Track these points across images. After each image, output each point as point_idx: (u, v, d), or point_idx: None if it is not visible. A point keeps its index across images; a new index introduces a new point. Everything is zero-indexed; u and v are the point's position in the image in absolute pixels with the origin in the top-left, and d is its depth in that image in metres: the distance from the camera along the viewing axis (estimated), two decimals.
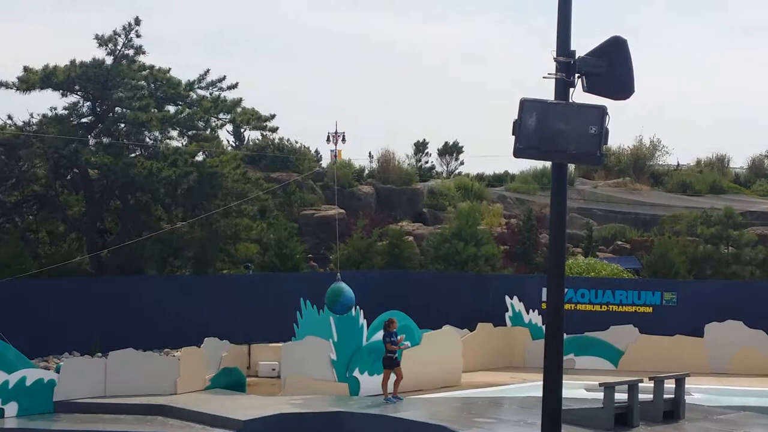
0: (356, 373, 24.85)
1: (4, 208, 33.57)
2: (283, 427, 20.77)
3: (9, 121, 33.03)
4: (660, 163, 59.04)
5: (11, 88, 32.34)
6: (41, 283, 29.48)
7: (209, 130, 36.26)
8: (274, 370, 26.79)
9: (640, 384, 21.32)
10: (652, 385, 21.76)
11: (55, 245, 34.34)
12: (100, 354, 26.77)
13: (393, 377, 23.17)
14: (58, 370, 22.95)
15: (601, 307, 32.76)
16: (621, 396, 20.97)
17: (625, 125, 55.31)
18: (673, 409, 21.82)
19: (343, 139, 45.30)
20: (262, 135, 44.24)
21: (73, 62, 32.82)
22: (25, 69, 32.64)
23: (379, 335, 25.34)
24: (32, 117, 33.20)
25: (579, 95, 10.85)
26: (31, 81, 32.40)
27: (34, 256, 32.57)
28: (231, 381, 24.63)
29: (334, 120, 68.37)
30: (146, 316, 30.11)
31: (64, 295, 29.42)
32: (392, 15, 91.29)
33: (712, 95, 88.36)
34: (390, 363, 23.20)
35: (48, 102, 41.13)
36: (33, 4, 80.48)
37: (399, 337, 23.25)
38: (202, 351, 24.77)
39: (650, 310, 32.66)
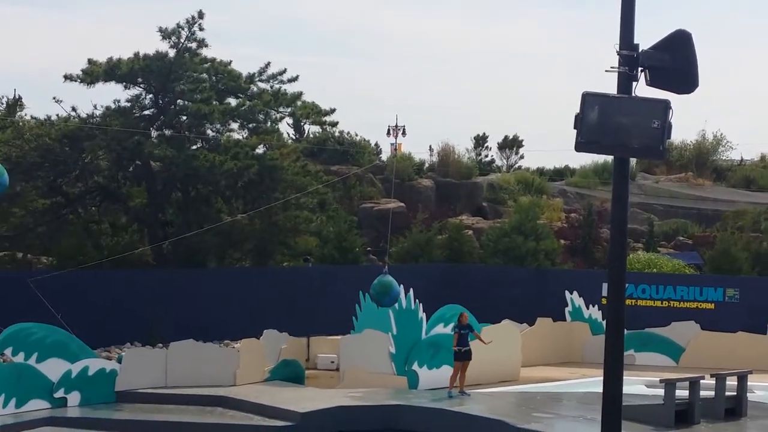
0: (415, 366, 24.85)
1: (68, 199, 33.91)
2: (342, 420, 20.84)
3: (73, 113, 33.36)
4: (723, 158, 58.38)
5: (76, 81, 32.63)
6: (103, 274, 29.77)
7: (269, 122, 36.36)
8: (332, 362, 26.87)
9: (701, 381, 21.14)
10: (714, 382, 21.57)
11: (117, 237, 34.62)
12: (160, 345, 27.00)
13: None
14: (119, 360, 23.20)
15: (662, 303, 32.50)
16: (682, 393, 20.82)
17: (688, 120, 54.75)
18: (735, 407, 21.63)
19: (404, 133, 45.24)
20: (322, 128, 44.30)
21: (136, 55, 33.06)
22: (90, 62, 32.93)
23: (438, 329, 25.38)
24: (96, 109, 33.53)
25: (642, 89, 10.75)
26: (95, 74, 32.68)
27: (97, 247, 32.86)
28: (290, 373, 24.75)
29: (395, 113, 68.55)
30: (206, 308, 30.29)
31: (125, 286, 29.69)
32: (453, 11, 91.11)
33: None
34: (458, 356, 23.21)
35: (111, 94, 41.56)
36: None
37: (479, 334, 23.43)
38: (262, 343, 24.90)
39: (712, 306, 32.35)
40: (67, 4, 77.18)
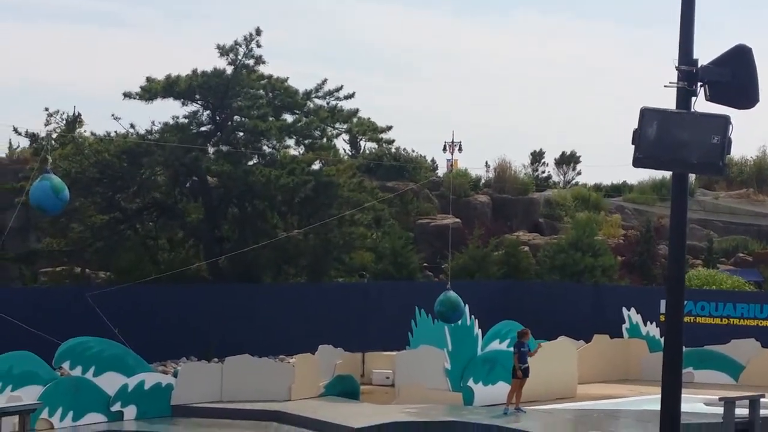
0: (470, 382, 24.74)
1: (126, 214, 34.19)
2: None
3: (131, 130, 33.67)
4: None
5: (134, 98, 32.94)
6: (160, 289, 29.98)
7: (325, 139, 36.46)
8: (388, 378, 26.82)
9: (762, 399, 20.83)
10: None
11: (174, 252, 34.87)
12: (216, 359, 27.10)
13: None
14: (175, 375, 23.31)
15: (721, 320, 32.15)
16: (742, 411, 20.51)
17: (749, 136, 54.25)
18: None
19: (460, 149, 45.27)
20: (378, 145, 44.38)
21: (194, 72, 33.29)
22: (148, 79, 33.23)
23: (494, 345, 25.27)
24: (154, 125, 33.80)
25: (701, 104, 10.62)
26: (153, 90, 32.95)
27: (154, 262, 33.13)
28: (345, 388, 24.73)
29: (451, 130, 68.49)
30: (261, 323, 30.40)
31: (181, 300, 29.88)
32: (510, 28, 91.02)
33: None
34: (517, 373, 23.10)
35: (169, 111, 41.78)
36: (156, 16, 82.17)
37: (532, 351, 23.26)
38: (317, 358, 24.92)
39: None
40: (125, 23, 78.05)
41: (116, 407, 21.34)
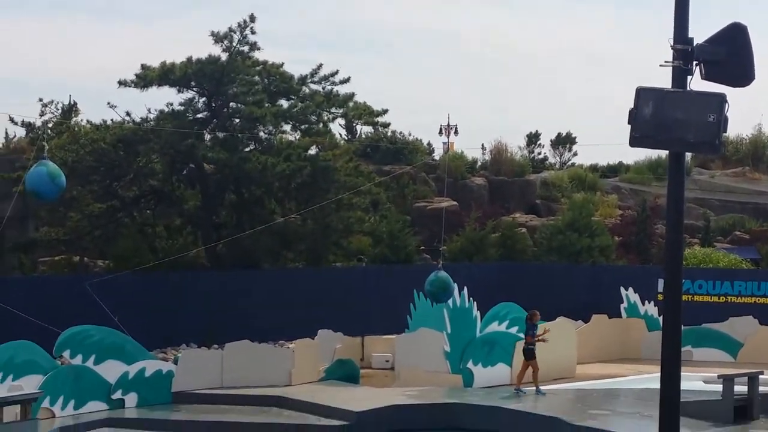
0: (470, 364, 24.79)
1: (123, 202, 34.22)
2: (397, 419, 20.82)
3: (127, 118, 33.69)
4: None
5: (130, 86, 32.94)
6: (158, 276, 30.01)
7: (321, 124, 36.47)
8: (387, 361, 26.87)
9: (760, 376, 20.91)
10: None
11: (172, 239, 34.92)
12: (216, 346, 27.15)
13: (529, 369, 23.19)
14: (176, 362, 23.33)
15: (719, 299, 32.20)
16: (741, 388, 20.59)
17: (744, 114, 54.24)
18: None
19: (456, 132, 45.26)
20: (374, 129, 44.37)
21: (189, 59, 33.30)
22: (143, 67, 33.22)
23: (493, 326, 25.33)
24: (150, 113, 33.84)
25: (697, 83, 10.64)
26: (148, 78, 32.96)
27: (152, 249, 33.17)
28: (345, 372, 24.77)
29: (447, 113, 68.44)
30: (260, 309, 30.45)
31: (180, 287, 29.92)
32: (505, 9, 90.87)
33: None
34: (529, 355, 23.18)
35: (164, 99, 41.76)
36: (151, 3, 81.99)
37: (541, 331, 23.28)
38: (316, 343, 24.96)
39: None
40: (119, 11, 77.86)
41: (117, 395, 21.36)
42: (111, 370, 21.28)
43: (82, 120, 36.44)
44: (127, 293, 27.77)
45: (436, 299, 23.64)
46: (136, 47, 71.31)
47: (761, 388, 20.90)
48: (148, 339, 24.07)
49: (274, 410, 21.57)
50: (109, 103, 33.02)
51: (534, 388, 23.00)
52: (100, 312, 23.70)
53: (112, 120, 33.84)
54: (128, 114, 33.74)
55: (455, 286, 23.77)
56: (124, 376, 21.43)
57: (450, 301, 24.19)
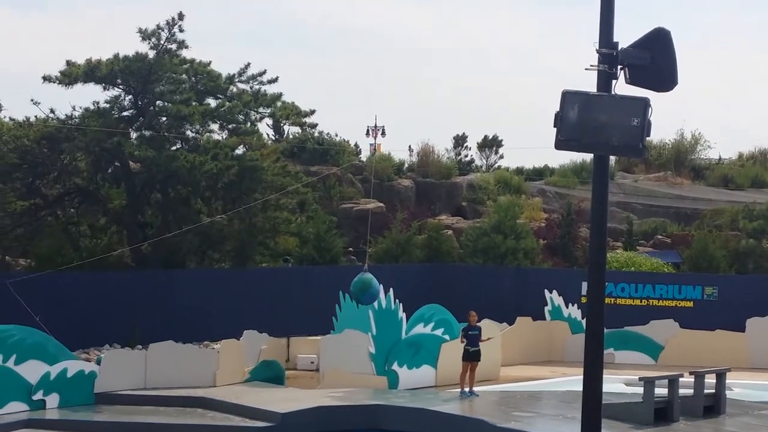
0: (395, 366, 24.85)
1: (47, 201, 33.76)
2: (322, 420, 20.82)
3: (51, 115, 33.22)
4: (701, 157, 58.71)
5: (54, 82, 32.49)
6: (82, 275, 29.66)
7: (249, 123, 36.28)
8: (312, 363, 26.86)
9: (680, 379, 21.21)
10: (693, 379, 21.65)
11: (96, 238, 34.51)
12: (140, 346, 26.91)
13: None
14: (99, 362, 23.10)
15: (641, 302, 32.62)
16: (661, 391, 20.88)
17: (667, 119, 55.01)
18: (714, 404, 21.70)
19: (383, 133, 45.43)
20: (301, 129, 44.25)
21: (116, 56, 32.94)
22: (68, 63, 32.80)
23: (418, 328, 25.40)
24: (74, 110, 33.39)
25: (621, 87, 10.78)
26: (73, 75, 32.54)
27: (76, 248, 32.77)
28: (270, 374, 24.71)
29: (374, 114, 68.58)
30: (185, 309, 30.23)
31: (104, 287, 29.59)
32: (430, 10, 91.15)
33: (755, 89, 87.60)
34: (467, 356, 23.28)
35: (90, 96, 41.25)
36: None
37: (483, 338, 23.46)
38: (242, 344, 24.87)
39: (691, 304, 32.50)
40: (43, 4, 76.83)
41: (38, 396, 21.10)
42: (32, 371, 21.02)
43: (4, 116, 35.90)
44: (49, 293, 27.42)
45: (359, 301, 23.68)
46: (61, 41, 70.50)
47: (681, 391, 21.20)
48: (70, 339, 23.81)
49: (198, 411, 21.46)
50: (32, 100, 32.55)
51: (460, 389, 23.17)
52: (22, 311, 23.41)
53: (36, 117, 33.39)
54: (52, 111, 33.28)
55: (381, 287, 23.83)
56: (46, 376, 21.18)
57: (376, 303, 24.25)
